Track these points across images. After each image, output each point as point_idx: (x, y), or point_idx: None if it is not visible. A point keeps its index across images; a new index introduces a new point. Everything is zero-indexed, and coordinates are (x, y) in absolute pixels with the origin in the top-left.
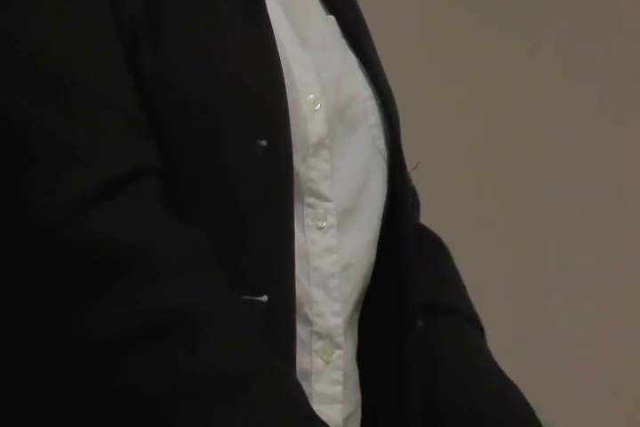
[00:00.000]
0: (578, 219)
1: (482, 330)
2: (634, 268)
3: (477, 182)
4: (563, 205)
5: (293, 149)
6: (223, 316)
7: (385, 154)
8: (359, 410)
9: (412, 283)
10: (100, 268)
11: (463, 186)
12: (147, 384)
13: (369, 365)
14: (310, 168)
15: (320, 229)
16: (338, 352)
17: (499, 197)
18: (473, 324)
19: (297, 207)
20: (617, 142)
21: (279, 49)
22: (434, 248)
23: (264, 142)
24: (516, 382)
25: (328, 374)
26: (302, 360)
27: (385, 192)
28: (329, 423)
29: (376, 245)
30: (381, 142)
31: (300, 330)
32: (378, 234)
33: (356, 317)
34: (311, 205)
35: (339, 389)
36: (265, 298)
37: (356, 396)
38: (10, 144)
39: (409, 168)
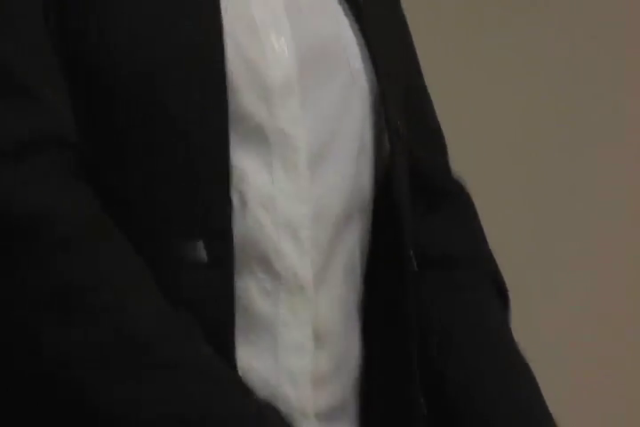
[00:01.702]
0: (577, 217)
1: (496, 283)
2: (634, 268)
3: (476, 181)
4: (562, 204)
5: (258, 99)
6: (129, 292)
7: (367, 101)
8: (358, 364)
9: (406, 227)
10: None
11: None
12: (59, 354)
13: (371, 315)
14: (275, 117)
15: (290, 179)
16: (308, 305)
17: (498, 196)
18: (485, 280)
19: (264, 158)
20: (617, 142)
21: (248, 17)
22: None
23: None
24: None
25: (297, 327)
26: (268, 312)
27: (371, 139)
28: (295, 377)
29: (356, 190)
30: (365, 92)
31: (268, 284)
32: (360, 179)
33: (342, 265)
34: (279, 155)
35: (308, 342)
36: (204, 255)
37: (349, 349)
38: None
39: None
